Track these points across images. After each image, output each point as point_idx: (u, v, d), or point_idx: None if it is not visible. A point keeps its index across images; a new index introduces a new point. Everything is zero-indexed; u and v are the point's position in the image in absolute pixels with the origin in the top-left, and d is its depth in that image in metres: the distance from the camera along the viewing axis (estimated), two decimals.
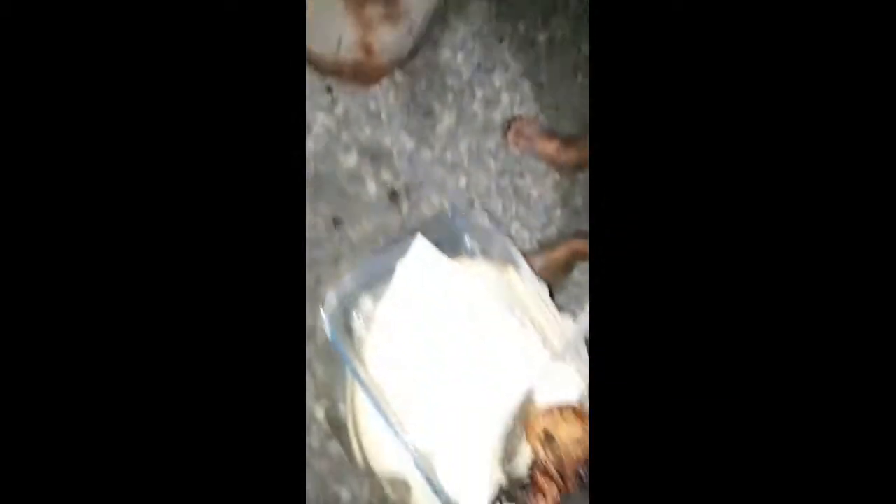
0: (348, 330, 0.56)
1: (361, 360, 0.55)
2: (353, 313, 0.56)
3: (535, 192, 0.84)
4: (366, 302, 0.56)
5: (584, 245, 0.73)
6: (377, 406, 0.53)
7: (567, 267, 0.77)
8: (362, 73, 0.71)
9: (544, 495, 0.58)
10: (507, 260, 0.61)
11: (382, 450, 0.57)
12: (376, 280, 0.56)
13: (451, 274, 0.57)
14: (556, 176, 0.82)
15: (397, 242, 0.56)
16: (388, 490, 0.60)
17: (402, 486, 0.59)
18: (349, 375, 0.54)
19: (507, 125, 0.76)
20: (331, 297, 0.54)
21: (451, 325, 0.57)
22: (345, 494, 0.70)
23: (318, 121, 0.71)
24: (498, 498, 0.57)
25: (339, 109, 0.72)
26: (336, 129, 0.72)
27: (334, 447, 0.66)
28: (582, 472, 0.58)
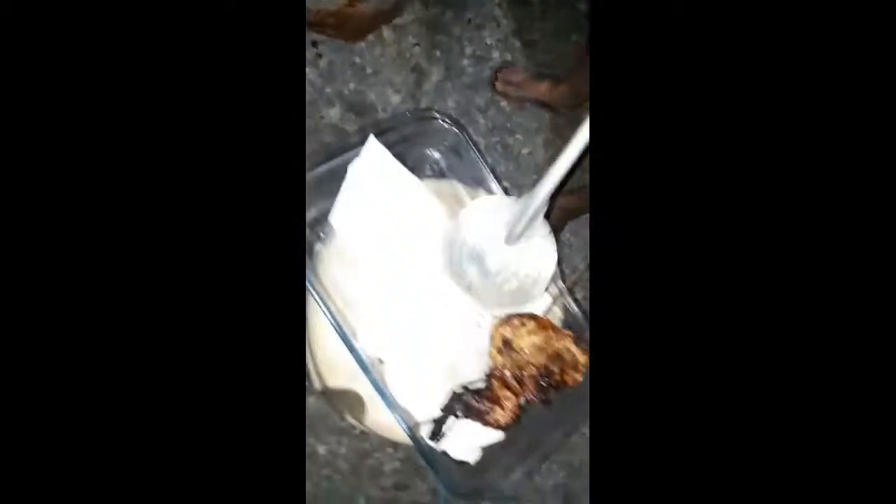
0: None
1: (315, 273, 0.53)
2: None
3: (524, 150, 0.81)
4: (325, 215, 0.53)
5: (574, 202, 0.69)
6: (330, 316, 0.49)
7: (558, 225, 0.73)
8: (348, 28, 0.71)
9: (501, 405, 0.52)
10: (479, 183, 0.58)
11: (337, 365, 0.54)
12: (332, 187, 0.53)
13: (404, 180, 0.55)
14: (548, 134, 0.80)
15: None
16: (345, 410, 0.57)
17: (357, 402, 0.54)
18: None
19: (495, 75, 0.74)
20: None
21: (405, 231, 0.54)
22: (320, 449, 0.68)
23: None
24: (450, 406, 0.51)
25: (324, 63, 0.72)
26: (321, 84, 0.72)
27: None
28: (542, 380, 0.52)
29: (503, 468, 0.55)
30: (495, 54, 0.77)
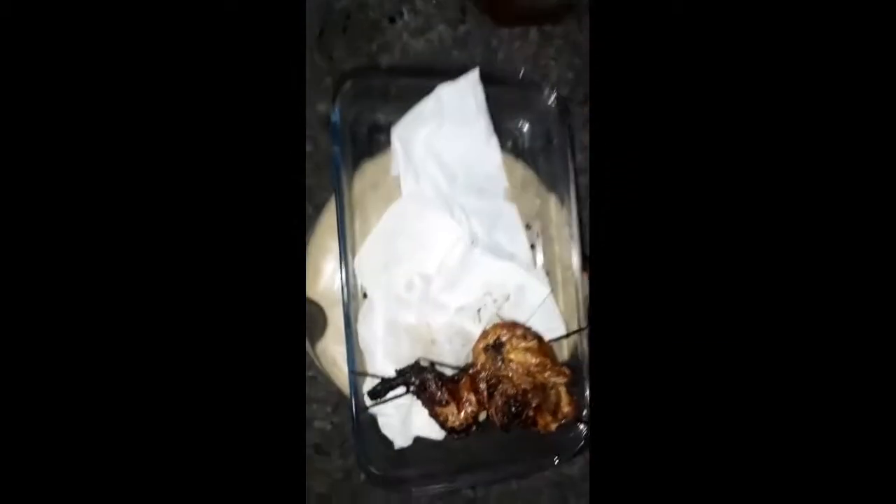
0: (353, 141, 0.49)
1: (349, 179, 0.48)
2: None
3: None
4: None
5: None
6: (340, 217, 0.45)
7: None
8: (502, 12, 0.67)
9: (458, 406, 0.45)
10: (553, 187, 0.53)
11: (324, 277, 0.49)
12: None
13: (483, 132, 0.50)
14: None
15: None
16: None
17: (318, 321, 0.49)
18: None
19: None
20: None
21: (453, 175, 0.49)
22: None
23: None
24: (408, 373, 0.45)
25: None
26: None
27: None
28: (514, 405, 0.45)
29: (424, 475, 0.48)
30: None
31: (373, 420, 0.49)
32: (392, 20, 0.59)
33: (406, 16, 0.60)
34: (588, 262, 0.51)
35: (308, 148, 0.55)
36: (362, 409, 0.46)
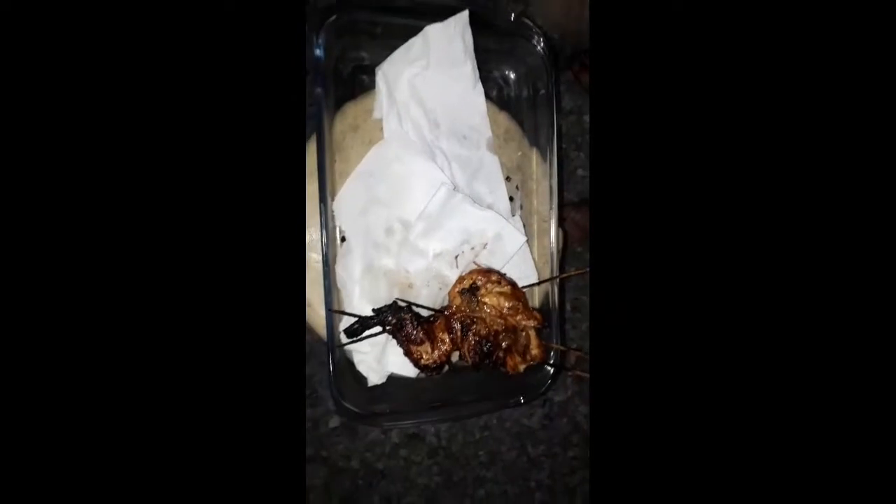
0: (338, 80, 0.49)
1: (331, 117, 0.48)
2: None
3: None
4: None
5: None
6: (320, 155, 0.45)
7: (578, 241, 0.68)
8: None
9: (433, 345, 0.47)
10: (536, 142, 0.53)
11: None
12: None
13: (468, 76, 0.50)
14: None
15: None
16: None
17: None
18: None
19: None
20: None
21: (435, 114, 0.49)
22: None
23: None
24: (384, 312, 0.47)
25: None
26: None
27: None
28: (485, 345, 0.47)
29: (395, 412, 0.50)
30: None
31: (347, 360, 0.50)
32: None
33: None
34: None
35: None
36: (338, 346, 0.47)
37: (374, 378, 0.49)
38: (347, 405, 0.47)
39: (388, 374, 0.50)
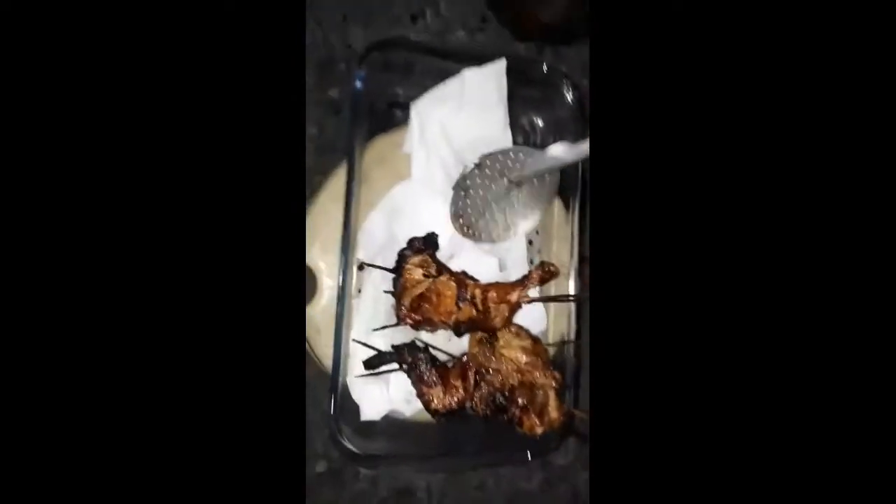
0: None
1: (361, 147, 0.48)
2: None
3: None
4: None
5: None
6: (349, 186, 0.45)
7: None
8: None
9: (445, 389, 0.45)
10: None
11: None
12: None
13: (500, 121, 0.51)
14: None
15: None
16: None
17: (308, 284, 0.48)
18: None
19: None
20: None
21: (464, 156, 0.50)
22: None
23: None
24: (403, 349, 0.45)
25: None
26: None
27: None
28: (498, 398, 0.45)
29: (393, 457, 0.47)
30: None
31: (345, 391, 0.48)
32: (414, 19, 0.60)
33: (428, 16, 0.61)
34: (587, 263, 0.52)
35: (313, 131, 0.56)
36: (356, 375, 0.45)
37: (370, 413, 0.47)
38: (347, 444, 0.44)
39: (386, 411, 0.47)
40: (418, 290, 0.44)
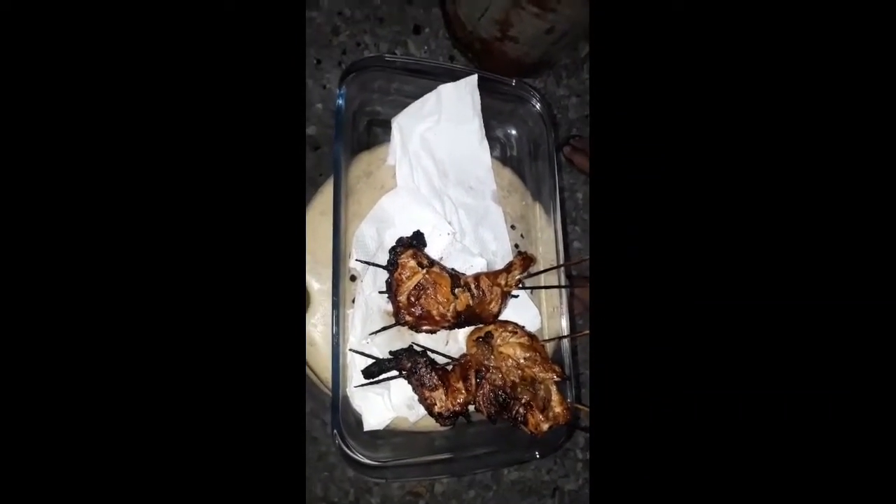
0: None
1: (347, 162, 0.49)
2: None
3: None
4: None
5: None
6: (337, 203, 0.46)
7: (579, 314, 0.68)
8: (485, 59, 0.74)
9: (447, 393, 0.44)
10: (538, 196, 0.57)
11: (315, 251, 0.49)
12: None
13: (475, 132, 0.53)
14: None
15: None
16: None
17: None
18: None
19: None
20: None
21: (445, 169, 0.52)
22: None
23: None
24: (402, 356, 0.44)
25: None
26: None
27: None
28: (500, 396, 0.44)
29: (402, 466, 0.45)
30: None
31: (346, 402, 0.46)
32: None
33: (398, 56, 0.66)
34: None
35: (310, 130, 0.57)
36: (356, 386, 0.45)
37: (373, 421, 0.46)
38: (354, 454, 0.42)
39: (388, 420, 0.46)
40: (413, 282, 0.44)
